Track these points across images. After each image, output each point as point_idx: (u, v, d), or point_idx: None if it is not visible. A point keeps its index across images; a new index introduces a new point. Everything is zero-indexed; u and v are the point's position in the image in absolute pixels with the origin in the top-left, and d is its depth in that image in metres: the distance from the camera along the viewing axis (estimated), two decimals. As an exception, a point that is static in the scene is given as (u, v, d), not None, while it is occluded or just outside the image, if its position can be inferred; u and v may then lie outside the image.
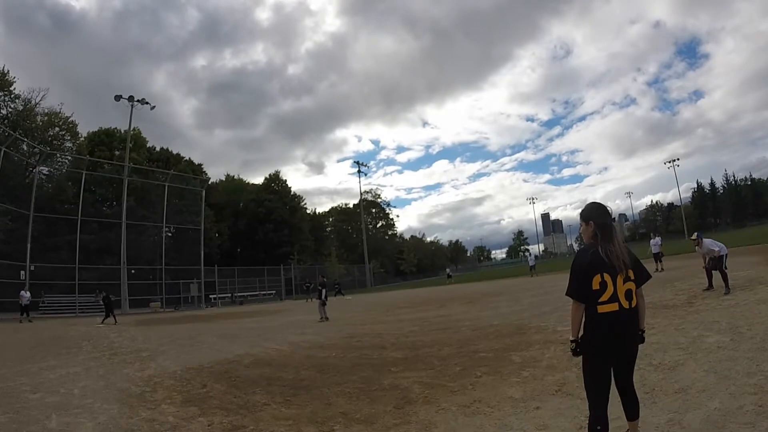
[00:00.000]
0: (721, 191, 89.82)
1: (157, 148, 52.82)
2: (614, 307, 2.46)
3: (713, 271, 9.06)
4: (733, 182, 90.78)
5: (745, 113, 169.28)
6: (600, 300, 2.47)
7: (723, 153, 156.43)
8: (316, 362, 6.95)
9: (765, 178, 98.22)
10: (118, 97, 33.87)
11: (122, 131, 42.76)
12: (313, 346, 8.87)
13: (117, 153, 42.89)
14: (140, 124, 49.06)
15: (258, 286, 45.06)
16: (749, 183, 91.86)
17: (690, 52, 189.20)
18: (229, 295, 41.29)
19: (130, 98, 34.06)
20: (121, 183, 35.06)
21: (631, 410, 2.65)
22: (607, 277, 2.47)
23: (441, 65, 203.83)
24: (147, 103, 35.17)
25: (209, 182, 50.19)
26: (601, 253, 2.50)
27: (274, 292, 45.77)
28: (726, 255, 8.94)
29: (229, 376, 6.24)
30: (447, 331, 9.11)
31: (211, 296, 39.63)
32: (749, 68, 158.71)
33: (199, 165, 56.83)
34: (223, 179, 64.54)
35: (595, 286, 2.48)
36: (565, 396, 4.04)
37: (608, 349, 2.51)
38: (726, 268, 8.81)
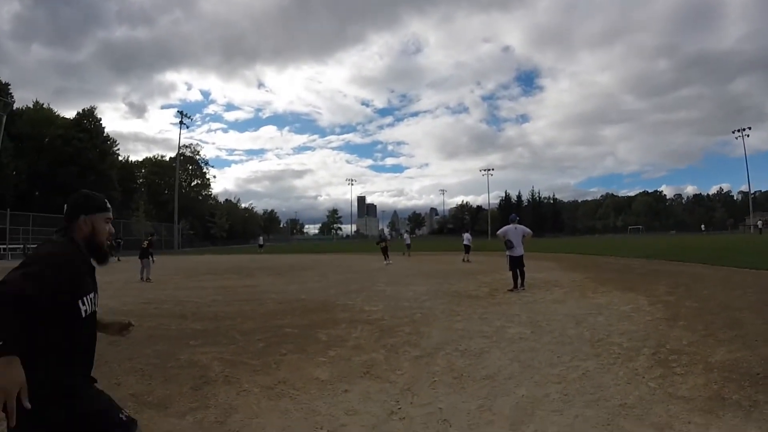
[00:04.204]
0: (526, 204, 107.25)
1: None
2: (383, 245, 19.57)
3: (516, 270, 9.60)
4: (537, 198, 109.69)
5: (560, 144, 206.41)
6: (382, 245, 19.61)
7: (534, 172, 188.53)
8: (107, 332, 6.03)
9: (565, 200, 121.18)
10: None
11: None
12: (105, 312, 7.61)
13: None
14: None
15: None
16: (551, 201, 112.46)
17: (528, 80, 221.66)
18: (22, 246, 34.47)
19: None
20: None
21: None
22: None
23: (293, 29, 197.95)
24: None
25: (13, 107, 40.34)
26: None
27: (74, 246, 39.52)
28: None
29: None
30: (252, 302, 8.88)
31: (-1, 247, 33.53)
32: (574, 109, 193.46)
33: (6, 84, 46.19)
34: (30, 107, 52.90)
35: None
36: (374, 379, 4.02)
37: None
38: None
